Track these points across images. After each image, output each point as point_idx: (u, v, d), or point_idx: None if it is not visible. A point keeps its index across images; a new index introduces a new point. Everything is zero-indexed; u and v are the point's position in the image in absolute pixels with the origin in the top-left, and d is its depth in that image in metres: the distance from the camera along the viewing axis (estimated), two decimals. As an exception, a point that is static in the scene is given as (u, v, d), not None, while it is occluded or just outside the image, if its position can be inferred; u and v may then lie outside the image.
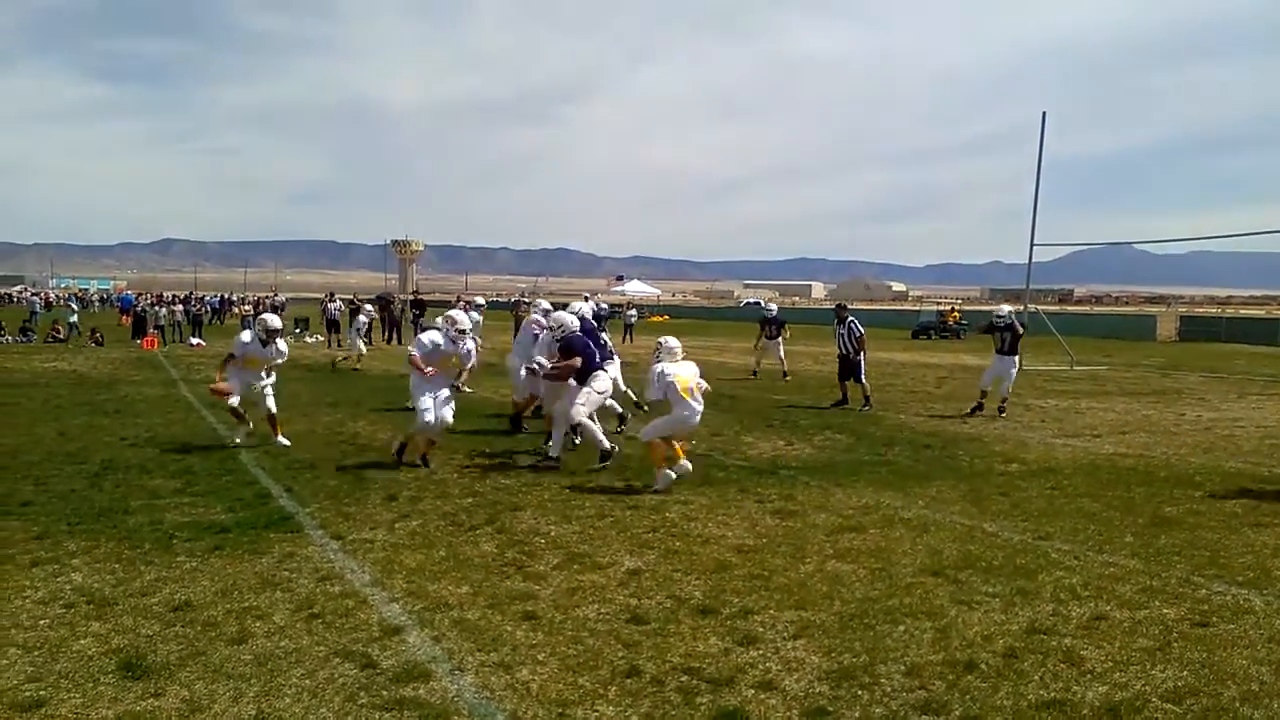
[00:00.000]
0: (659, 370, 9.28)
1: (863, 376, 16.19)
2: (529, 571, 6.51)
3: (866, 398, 16.03)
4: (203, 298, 51.73)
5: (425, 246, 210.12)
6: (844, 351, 16.41)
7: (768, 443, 12.24)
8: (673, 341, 9.71)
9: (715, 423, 13.81)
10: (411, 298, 42.30)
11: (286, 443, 11.16)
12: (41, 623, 5.45)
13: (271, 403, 11.31)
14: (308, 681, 4.66)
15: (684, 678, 4.76)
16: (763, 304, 46.82)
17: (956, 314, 51.45)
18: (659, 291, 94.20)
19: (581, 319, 11.49)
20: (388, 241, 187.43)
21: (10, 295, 72.63)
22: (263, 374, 11.28)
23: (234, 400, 11.05)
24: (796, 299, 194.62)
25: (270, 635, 5.28)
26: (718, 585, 6.26)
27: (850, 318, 16.62)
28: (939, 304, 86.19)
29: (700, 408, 9.36)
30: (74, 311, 37.99)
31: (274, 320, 11.45)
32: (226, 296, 59.75)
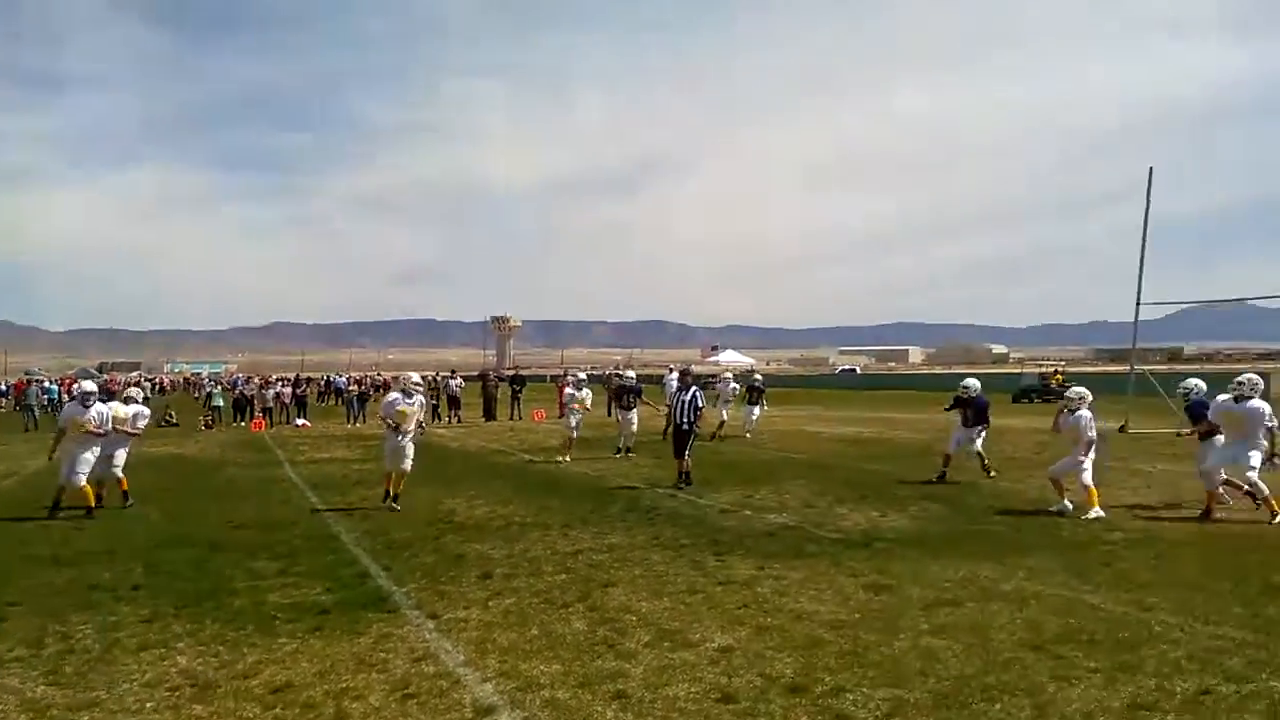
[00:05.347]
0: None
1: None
2: (620, 650, 6.55)
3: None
4: (308, 379, 51.50)
5: (523, 322, 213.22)
6: None
7: (861, 514, 12.07)
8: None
9: (807, 493, 13.71)
10: (510, 373, 43.16)
11: None
12: (147, 705, 5.67)
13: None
14: (401, 762, 4.76)
15: (772, 758, 4.73)
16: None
17: (1060, 376, 49.67)
18: (752, 361, 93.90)
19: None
20: (487, 318, 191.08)
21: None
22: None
23: None
24: (893, 365, 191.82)
25: (366, 716, 5.42)
26: (809, 662, 6.21)
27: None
28: (1040, 366, 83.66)
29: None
30: (217, 396, 37.22)
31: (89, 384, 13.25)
32: (336, 376, 60.02)
